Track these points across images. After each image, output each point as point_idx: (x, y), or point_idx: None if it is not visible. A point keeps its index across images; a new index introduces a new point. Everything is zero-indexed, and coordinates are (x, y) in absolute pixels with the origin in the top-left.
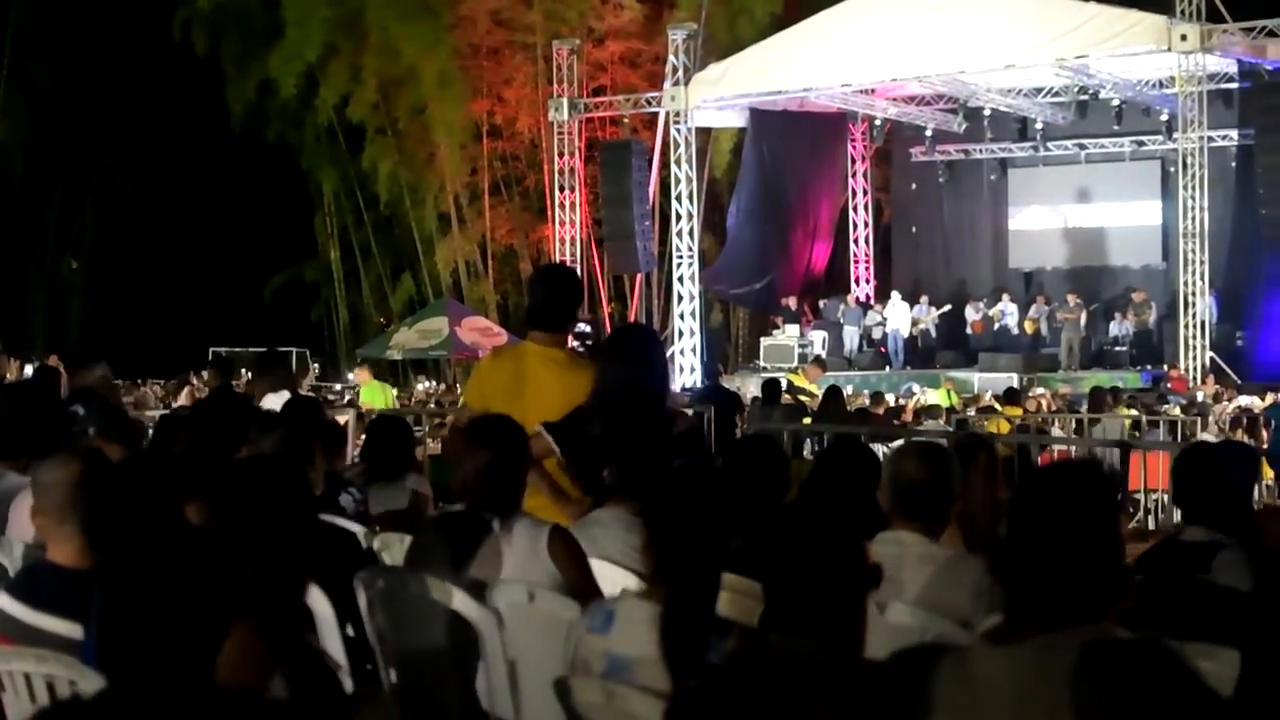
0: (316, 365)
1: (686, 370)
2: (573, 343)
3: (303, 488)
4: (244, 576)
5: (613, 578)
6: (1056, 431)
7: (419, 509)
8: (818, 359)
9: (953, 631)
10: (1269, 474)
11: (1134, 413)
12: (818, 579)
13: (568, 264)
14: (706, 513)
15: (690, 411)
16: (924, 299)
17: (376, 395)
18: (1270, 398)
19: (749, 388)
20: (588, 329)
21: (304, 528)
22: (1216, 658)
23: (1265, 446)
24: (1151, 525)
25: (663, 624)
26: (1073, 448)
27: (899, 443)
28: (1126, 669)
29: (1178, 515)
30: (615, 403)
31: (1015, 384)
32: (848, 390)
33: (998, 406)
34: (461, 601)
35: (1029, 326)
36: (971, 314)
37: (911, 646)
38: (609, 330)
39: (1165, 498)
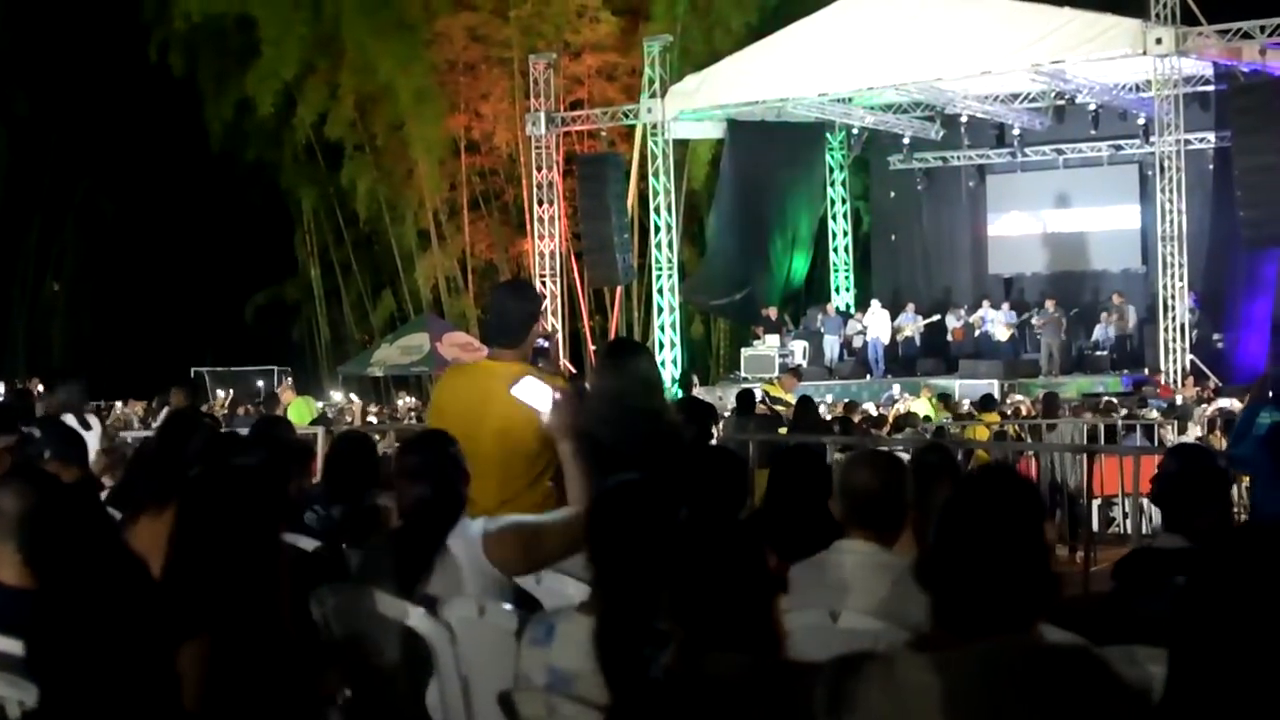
0: (290, 380)
1: (667, 382)
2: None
3: (279, 503)
4: (202, 595)
5: (567, 591)
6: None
7: (381, 525)
8: (794, 369)
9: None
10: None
11: (1093, 417)
12: (715, 587)
13: (543, 278)
14: (644, 527)
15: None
16: (910, 307)
17: (303, 412)
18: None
19: (730, 398)
20: (545, 344)
21: (277, 543)
22: (1163, 662)
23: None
24: (1128, 529)
25: (598, 637)
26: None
27: None
28: (1051, 675)
29: (1154, 519)
30: (602, 416)
31: (996, 391)
32: (828, 399)
33: (975, 414)
34: (414, 617)
35: (1004, 333)
36: (952, 321)
37: (841, 655)
38: (589, 343)
39: (1144, 502)
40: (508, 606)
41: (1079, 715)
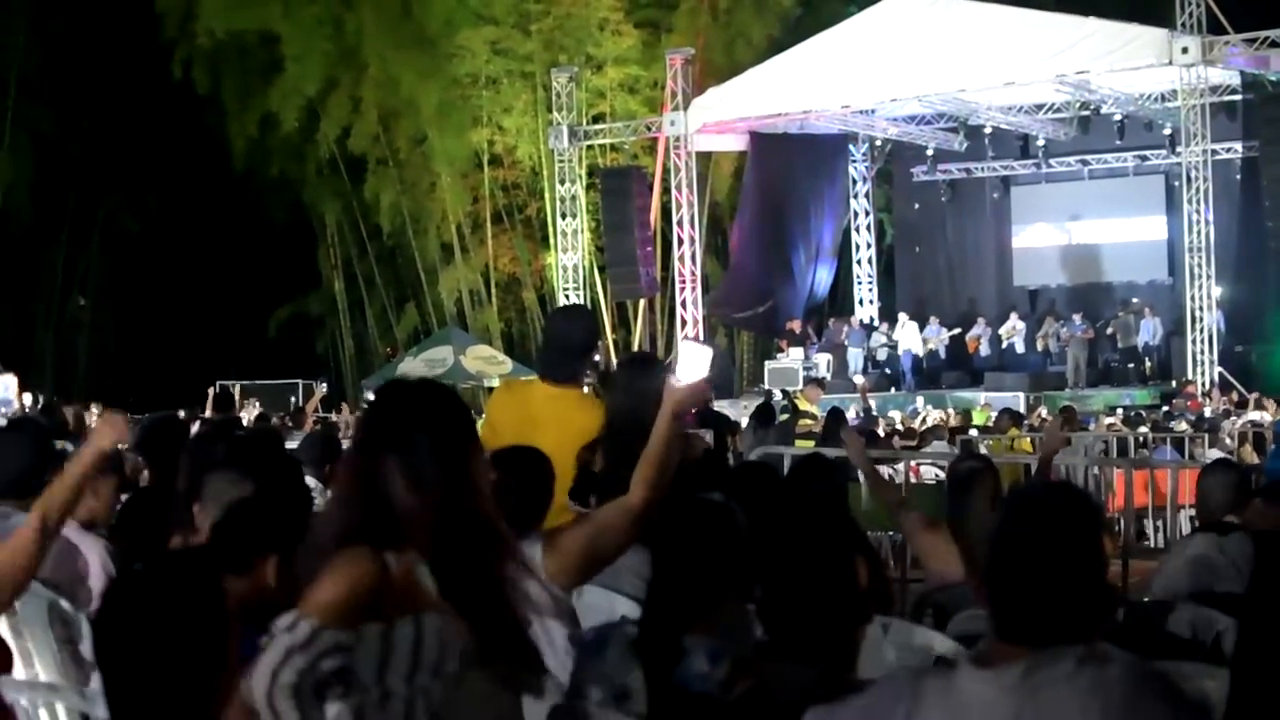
0: (324, 388)
1: None
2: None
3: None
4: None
5: (611, 606)
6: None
7: None
8: (818, 380)
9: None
10: None
11: (1116, 425)
12: (810, 604)
13: (566, 291)
14: (707, 545)
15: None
16: (934, 320)
17: None
18: None
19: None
20: (597, 357)
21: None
22: (1216, 678)
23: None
24: (1160, 543)
25: (644, 652)
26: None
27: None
28: (1116, 688)
29: (1185, 532)
30: (616, 435)
31: (1021, 404)
32: (852, 411)
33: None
34: None
35: (1040, 344)
36: (975, 333)
37: (898, 670)
38: (613, 357)
39: (1185, 516)
40: (561, 623)
41: None
